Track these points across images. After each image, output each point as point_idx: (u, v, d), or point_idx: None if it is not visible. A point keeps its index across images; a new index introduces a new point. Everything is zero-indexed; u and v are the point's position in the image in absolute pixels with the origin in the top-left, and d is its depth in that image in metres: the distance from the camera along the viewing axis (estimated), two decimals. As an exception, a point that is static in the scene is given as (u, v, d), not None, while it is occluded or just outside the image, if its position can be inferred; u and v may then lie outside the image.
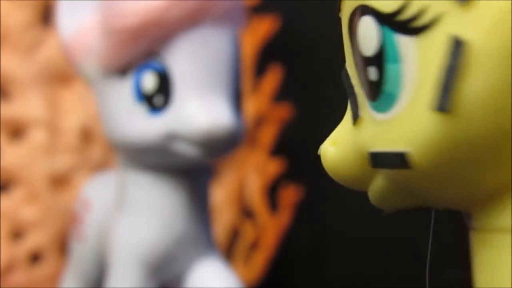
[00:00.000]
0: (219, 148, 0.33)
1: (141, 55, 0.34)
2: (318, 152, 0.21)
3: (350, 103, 0.20)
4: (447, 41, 0.17)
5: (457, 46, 0.16)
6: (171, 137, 0.33)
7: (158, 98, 0.34)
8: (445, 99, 0.17)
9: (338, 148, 0.20)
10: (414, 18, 0.17)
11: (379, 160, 0.18)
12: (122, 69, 0.34)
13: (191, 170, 0.36)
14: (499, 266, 0.17)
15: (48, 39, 0.50)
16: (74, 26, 0.37)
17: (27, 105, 0.50)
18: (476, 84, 0.16)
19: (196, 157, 0.34)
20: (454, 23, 0.17)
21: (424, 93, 0.17)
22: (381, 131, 0.18)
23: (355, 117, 0.20)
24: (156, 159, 0.35)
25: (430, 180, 0.18)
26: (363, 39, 0.19)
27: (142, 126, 0.34)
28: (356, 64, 0.19)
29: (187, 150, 0.33)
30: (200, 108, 0.33)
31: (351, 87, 0.20)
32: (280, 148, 0.53)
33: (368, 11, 0.18)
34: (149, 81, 0.34)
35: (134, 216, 0.36)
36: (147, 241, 0.36)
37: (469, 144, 0.17)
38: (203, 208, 0.37)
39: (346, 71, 0.20)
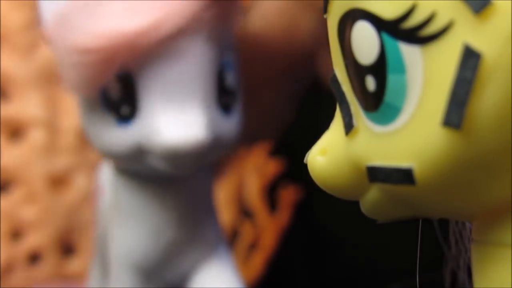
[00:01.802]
0: (190, 162, 0.31)
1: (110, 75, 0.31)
2: (305, 160, 0.19)
3: (342, 111, 0.19)
4: (460, 52, 0.16)
5: (472, 58, 0.15)
6: (140, 149, 0.31)
7: (125, 107, 0.31)
8: (457, 114, 0.16)
9: (328, 158, 0.19)
10: (421, 26, 0.16)
11: (378, 175, 0.17)
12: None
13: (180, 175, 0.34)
14: (498, 280, 0.17)
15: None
16: (55, 8, 0.34)
17: (27, 105, 0.50)
18: (489, 99, 0.15)
19: (166, 171, 0.31)
20: (466, 33, 0.16)
21: (431, 106, 0.16)
22: (381, 144, 0.17)
23: (349, 128, 0.18)
24: (136, 167, 0.33)
25: (432, 194, 0.17)
26: (359, 46, 0.17)
27: (111, 135, 0.32)
28: (348, 71, 0.18)
29: (156, 163, 0.31)
30: (166, 123, 0.30)
31: (342, 94, 0.19)
32: (279, 148, 0.53)
33: (364, 15, 0.17)
34: (113, 88, 0.31)
35: (124, 221, 0.35)
36: (136, 248, 0.34)
37: (477, 159, 0.16)
38: (202, 209, 0.36)
39: (334, 76, 0.19)
